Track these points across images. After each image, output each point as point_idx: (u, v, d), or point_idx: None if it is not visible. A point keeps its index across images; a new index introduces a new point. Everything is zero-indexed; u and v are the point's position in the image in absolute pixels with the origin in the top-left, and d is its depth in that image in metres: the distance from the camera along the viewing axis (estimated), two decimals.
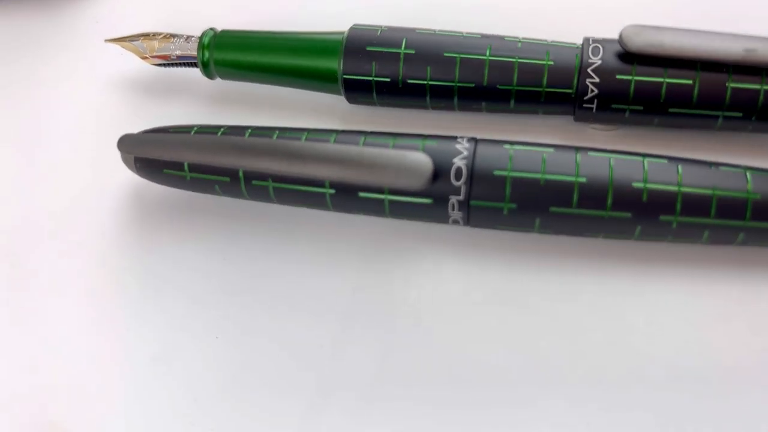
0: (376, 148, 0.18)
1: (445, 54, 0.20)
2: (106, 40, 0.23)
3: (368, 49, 0.20)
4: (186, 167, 0.19)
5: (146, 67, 0.24)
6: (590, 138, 0.20)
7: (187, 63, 0.22)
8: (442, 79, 0.20)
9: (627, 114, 0.19)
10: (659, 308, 0.18)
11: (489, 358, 0.18)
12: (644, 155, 0.17)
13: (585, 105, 0.19)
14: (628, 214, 0.17)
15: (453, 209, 0.18)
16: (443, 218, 0.18)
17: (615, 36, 0.19)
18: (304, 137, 0.19)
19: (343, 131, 0.19)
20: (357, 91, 0.21)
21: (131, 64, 0.24)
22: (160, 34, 0.23)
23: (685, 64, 0.18)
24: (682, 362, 0.17)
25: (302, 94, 0.22)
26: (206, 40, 0.22)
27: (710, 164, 0.17)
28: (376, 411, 0.17)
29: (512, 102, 0.20)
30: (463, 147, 0.18)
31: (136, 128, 0.22)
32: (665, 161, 0.17)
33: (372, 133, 0.19)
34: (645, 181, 0.17)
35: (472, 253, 0.19)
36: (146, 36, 0.23)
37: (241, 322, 0.19)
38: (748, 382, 0.17)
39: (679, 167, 0.17)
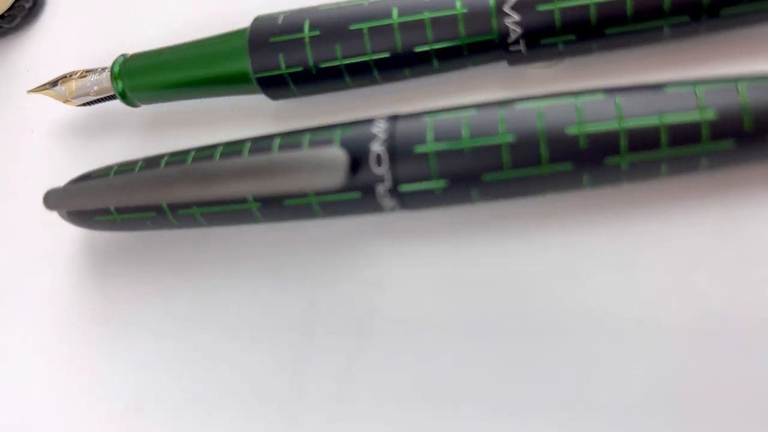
0: (287, 152, 0.16)
1: (351, 27, 0.18)
2: (29, 92, 0.23)
3: (272, 41, 0.19)
4: (113, 211, 0.18)
5: (75, 110, 0.23)
6: (531, 81, 0.18)
7: (108, 97, 0.22)
8: (355, 55, 0.18)
9: (561, 47, 0.17)
10: (630, 258, 0.16)
11: (459, 348, 0.16)
12: (577, 94, 0.15)
13: (512, 48, 0.17)
14: (569, 165, 0.15)
15: (383, 198, 0.16)
16: (378, 208, 0.17)
17: None
18: (218, 153, 0.18)
19: (258, 138, 0.18)
20: (273, 87, 0.19)
21: (62, 108, 0.23)
22: (77, 72, 0.22)
23: None
24: (666, 315, 0.15)
25: (229, 101, 0.21)
26: (116, 68, 0.21)
27: (654, 87, 0.15)
28: (347, 425, 0.16)
29: (435, 62, 0.18)
30: (379, 129, 0.16)
31: (76, 173, 0.21)
32: (602, 95, 0.15)
33: (288, 133, 0.17)
34: (579, 123, 0.15)
35: (419, 237, 0.17)
36: (64, 78, 0.22)
37: (205, 357, 0.18)
38: (745, 324, 0.15)
39: (618, 99, 0.15)
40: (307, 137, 0.17)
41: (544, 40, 0.17)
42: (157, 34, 0.24)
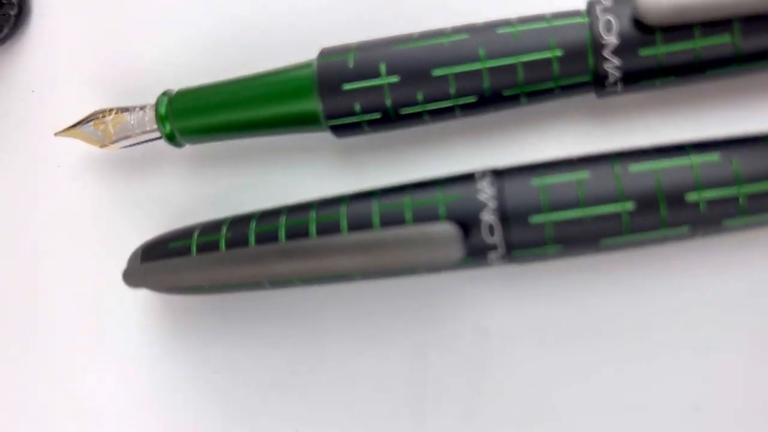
0: (394, 229, 0.16)
1: (434, 73, 0.17)
2: (56, 134, 0.21)
3: (345, 88, 0.17)
4: (205, 286, 0.18)
5: None
6: (620, 108, 0.18)
7: (152, 138, 0.20)
8: (438, 100, 0.17)
9: (657, 83, 0.16)
10: (735, 300, 0.17)
11: (568, 389, 0.17)
12: (690, 150, 0.15)
13: (608, 88, 0.17)
14: (686, 229, 0.15)
15: (495, 261, 0.16)
16: (486, 266, 0.17)
17: None
18: (312, 222, 0.17)
19: (353, 197, 0.17)
20: (346, 131, 0.18)
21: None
22: (109, 111, 0.20)
23: (720, 22, 0.15)
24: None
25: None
26: (163, 110, 0.19)
27: (766, 140, 0.15)
28: None
29: (522, 100, 0.17)
30: (486, 196, 0.16)
31: (121, 218, 0.21)
32: (716, 156, 0.15)
33: (383, 192, 0.17)
34: (699, 189, 0.15)
35: (524, 282, 0.18)
36: (96, 118, 0.20)
37: (319, 408, 0.19)
38: None
39: (734, 161, 0.15)
40: (408, 206, 0.16)
41: (643, 81, 0.16)
42: (157, 36, 0.22)
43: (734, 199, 0.15)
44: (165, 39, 0.22)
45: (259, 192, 0.20)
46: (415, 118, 0.18)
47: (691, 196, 0.15)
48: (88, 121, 0.20)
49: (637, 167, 0.15)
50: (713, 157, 0.15)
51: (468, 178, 0.16)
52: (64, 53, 0.23)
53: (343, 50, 0.18)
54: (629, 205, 0.15)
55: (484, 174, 0.16)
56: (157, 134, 0.20)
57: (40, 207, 0.22)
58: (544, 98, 0.17)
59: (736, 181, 0.15)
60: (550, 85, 0.17)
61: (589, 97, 0.18)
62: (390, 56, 0.17)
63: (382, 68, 0.17)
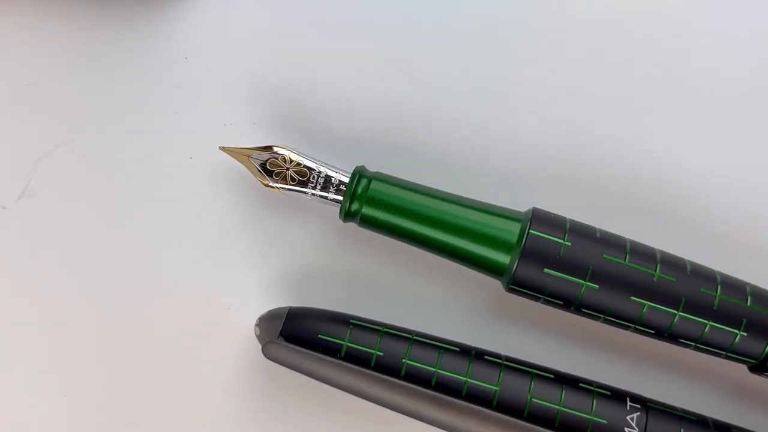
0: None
1: (633, 298, 0.18)
2: (222, 149, 0.19)
3: (546, 271, 0.18)
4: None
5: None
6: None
7: (324, 202, 0.19)
8: (622, 319, 0.18)
9: None
10: None
11: None
12: None
13: (765, 373, 0.18)
14: None
15: None
16: None
17: None
18: (469, 374, 0.18)
19: (509, 366, 0.18)
20: (520, 294, 0.19)
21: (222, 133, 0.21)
22: (289, 158, 0.19)
23: None
24: None
25: None
26: (358, 189, 0.18)
27: None
28: None
29: (688, 347, 0.18)
30: (632, 429, 0.17)
31: (247, 235, 0.21)
32: None
33: (539, 375, 0.18)
34: None
35: None
36: (272, 155, 0.19)
37: None
38: None
39: None
40: (559, 409, 0.17)
41: None
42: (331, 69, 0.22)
43: None
44: (337, 70, 0.22)
45: (403, 296, 0.21)
46: (591, 317, 0.18)
47: None
48: (260, 152, 0.19)
49: None
50: None
51: (620, 399, 0.18)
52: (226, 30, 0.22)
53: (556, 227, 0.18)
54: None
55: (635, 408, 0.18)
56: (336, 206, 0.19)
57: (168, 184, 0.21)
58: (704, 353, 0.18)
59: None
60: (722, 352, 0.18)
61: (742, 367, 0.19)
62: (599, 265, 0.18)
63: (589, 272, 0.17)
